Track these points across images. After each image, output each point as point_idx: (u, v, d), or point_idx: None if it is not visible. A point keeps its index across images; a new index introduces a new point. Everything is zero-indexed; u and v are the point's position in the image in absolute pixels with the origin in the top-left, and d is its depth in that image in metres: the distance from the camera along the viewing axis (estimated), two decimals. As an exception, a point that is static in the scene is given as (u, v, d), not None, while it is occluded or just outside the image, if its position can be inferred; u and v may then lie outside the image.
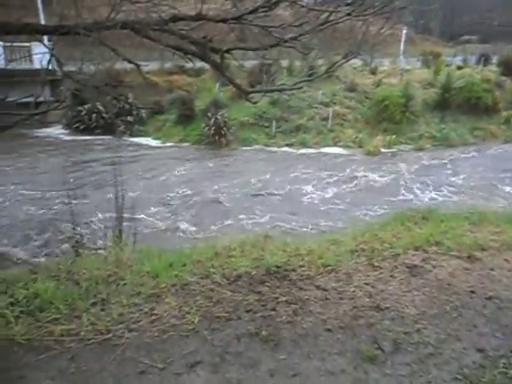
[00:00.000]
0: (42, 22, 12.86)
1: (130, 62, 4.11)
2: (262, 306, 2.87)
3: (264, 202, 11.62)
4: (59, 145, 17.98)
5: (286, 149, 17.70)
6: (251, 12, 3.76)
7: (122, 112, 18.97)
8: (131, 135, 19.10)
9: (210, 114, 17.76)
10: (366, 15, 3.47)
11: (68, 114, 19.56)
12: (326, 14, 3.71)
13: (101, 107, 18.95)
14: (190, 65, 20.05)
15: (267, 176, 13.89)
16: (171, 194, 12.00)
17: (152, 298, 2.92)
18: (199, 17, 3.90)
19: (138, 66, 4.23)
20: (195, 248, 3.91)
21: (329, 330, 2.65)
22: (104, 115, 19.10)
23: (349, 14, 3.29)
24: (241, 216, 10.38)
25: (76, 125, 19.39)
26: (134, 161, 15.26)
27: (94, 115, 19.03)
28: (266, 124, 18.77)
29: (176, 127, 19.22)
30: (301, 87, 5.47)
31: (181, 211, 10.67)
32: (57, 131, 19.87)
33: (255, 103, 5.20)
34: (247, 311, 2.81)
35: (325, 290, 3.10)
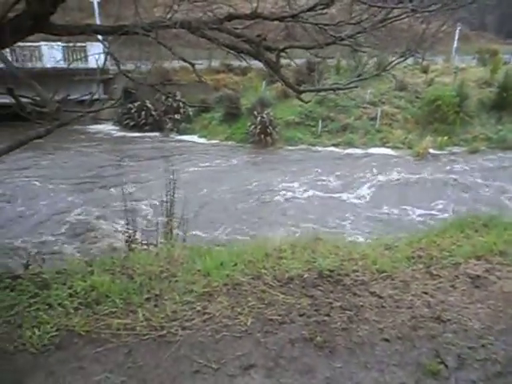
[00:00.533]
0: (98, 23, 13.38)
1: (184, 60, 4.16)
2: (316, 310, 2.79)
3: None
4: (109, 141, 18.67)
5: (331, 148, 17.44)
6: (309, 10, 3.69)
7: (170, 110, 19.44)
8: (178, 132, 19.55)
9: (255, 113, 17.81)
10: (431, 11, 3.31)
11: (118, 112, 20.27)
12: (385, 11, 3.57)
13: (149, 105, 19.50)
14: (236, 63, 20.29)
15: (286, 178, 14.16)
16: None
17: (204, 297, 2.92)
18: (255, 15, 3.87)
19: (193, 64, 4.27)
20: (245, 248, 3.89)
21: (386, 339, 2.53)
22: (152, 113, 19.66)
23: (413, 10, 3.15)
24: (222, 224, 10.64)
25: (126, 122, 20.09)
26: (169, 155, 15.84)
27: (143, 113, 19.63)
28: (312, 123, 18.59)
29: (222, 125, 19.44)
30: (356, 86, 5.33)
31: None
32: (108, 128, 20.66)
33: (307, 102, 5.13)
34: (300, 315, 2.74)
35: (380, 297, 2.97)
